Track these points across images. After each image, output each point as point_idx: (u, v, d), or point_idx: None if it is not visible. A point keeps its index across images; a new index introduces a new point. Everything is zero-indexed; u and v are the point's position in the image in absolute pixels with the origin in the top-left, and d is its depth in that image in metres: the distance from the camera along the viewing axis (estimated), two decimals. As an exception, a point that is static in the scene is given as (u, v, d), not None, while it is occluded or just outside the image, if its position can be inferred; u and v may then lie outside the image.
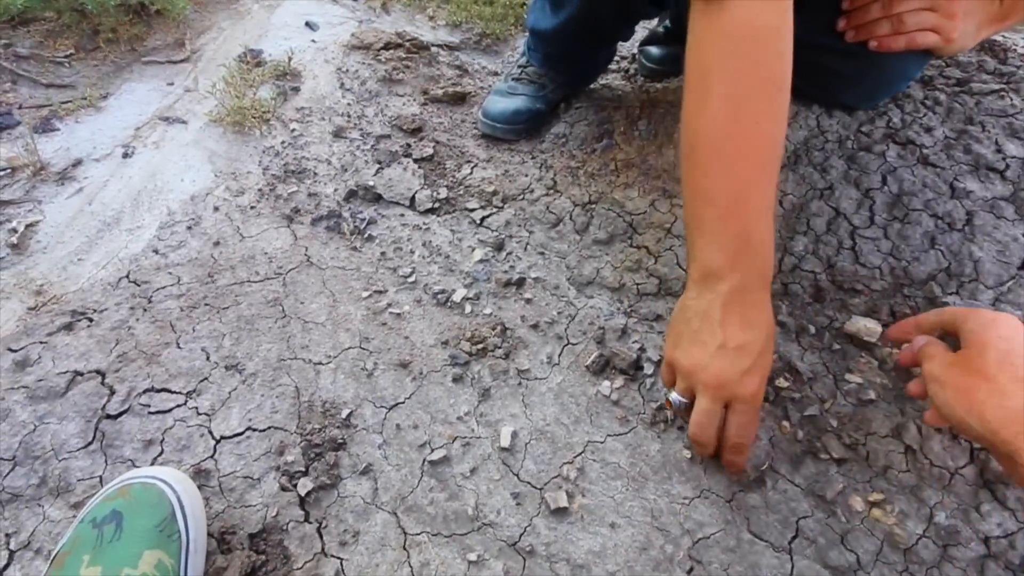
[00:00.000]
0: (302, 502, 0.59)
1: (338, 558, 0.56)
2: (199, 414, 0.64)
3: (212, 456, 0.61)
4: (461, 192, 0.91)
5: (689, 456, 0.62)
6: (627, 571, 0.55)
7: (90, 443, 0.62)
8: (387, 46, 1.18)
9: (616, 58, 1.13)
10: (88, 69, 1.13)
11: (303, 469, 0.61)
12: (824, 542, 0.56)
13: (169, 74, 1.14)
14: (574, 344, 0.72)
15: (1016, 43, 0.99)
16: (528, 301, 0.77)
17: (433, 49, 1.22)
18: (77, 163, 0.94)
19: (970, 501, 0.58)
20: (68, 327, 0.71)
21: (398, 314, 0.75)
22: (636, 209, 0.84)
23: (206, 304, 0.75)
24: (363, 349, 0.72)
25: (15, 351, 0.69)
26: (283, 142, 0.97)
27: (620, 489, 0.60)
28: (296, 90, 1.08)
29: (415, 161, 0.95)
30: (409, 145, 0.98)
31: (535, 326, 0.74)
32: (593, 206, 0.86)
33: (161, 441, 0.62)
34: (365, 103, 1.06)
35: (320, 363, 0.70)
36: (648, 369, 0.69)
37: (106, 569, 0.46)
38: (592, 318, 0.74)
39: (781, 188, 0.81)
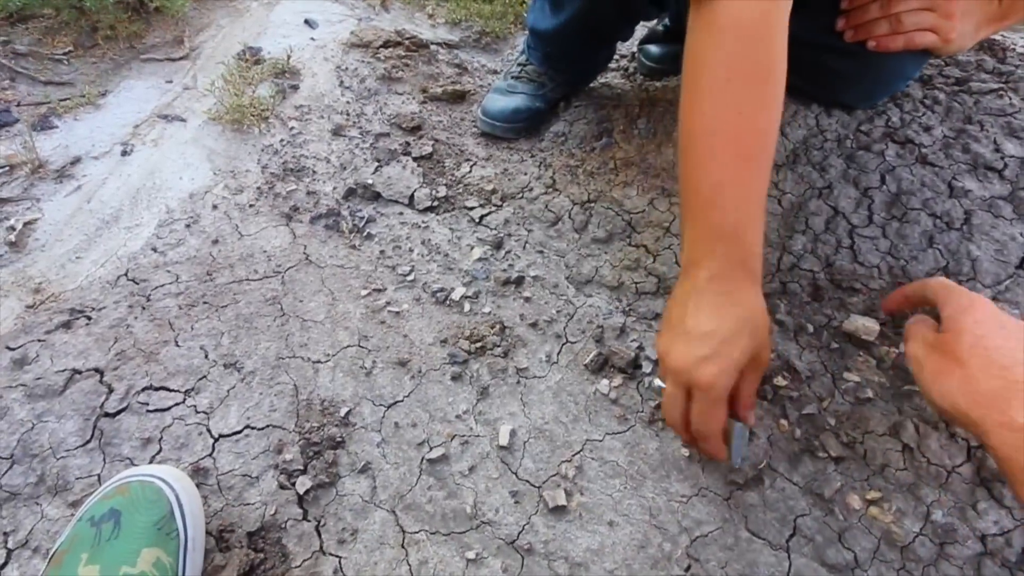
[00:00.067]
0: (300, 500, 0.59)
1: (336, 556, 0.56)
2: (197, 412, 0.64)
3: (210, 454, 0.61)
4: (460, 190, 0.91)
5: (687, 454, 0.62)
6: (625, 569, 0.55)
7: (88, 441, 0.62)
8: (386, 44, 1.18)
9: (616, 56, 1.13)
10: (87, 66, 1.12)
11: (301, 467, 0.61)
12: (822, 540, 0.57)
13: (168, 72, 1.14)
14: (573, 343, 0.72)
15: (1015, 42, 0.99)
16: (527, 299, 0.77)
17: (432, 47, 1.22)
18: (76, 161, 0.94)
19: (967, 499, 0.58)
20: (66, 325, 0.71)
21: (397, 312, 0.75)
22: (635, 208, 0.84)
23: (205, 302, 0.75)
24: (362, 347, 0.72)
25: (13, 349, 0.68)
26: (282, 140, 0.97)
27: (618, 487, 0.61)
28: (295, 88, 1.08)
29: (414, 159, 0.95)
30: (408, 143, 0.98)
31: (534, 324, 0.74)
32: (592, 205, 0.86)
33: (159, 439, 0.62)
34: (364, 101, 1.06)
35: (319, 361, 0.70)
36: (647, 368, 0.69)
37: (104, 567, 0.46)
38: (591, 317, 0.74)
39: (780, 187, 0.81)
